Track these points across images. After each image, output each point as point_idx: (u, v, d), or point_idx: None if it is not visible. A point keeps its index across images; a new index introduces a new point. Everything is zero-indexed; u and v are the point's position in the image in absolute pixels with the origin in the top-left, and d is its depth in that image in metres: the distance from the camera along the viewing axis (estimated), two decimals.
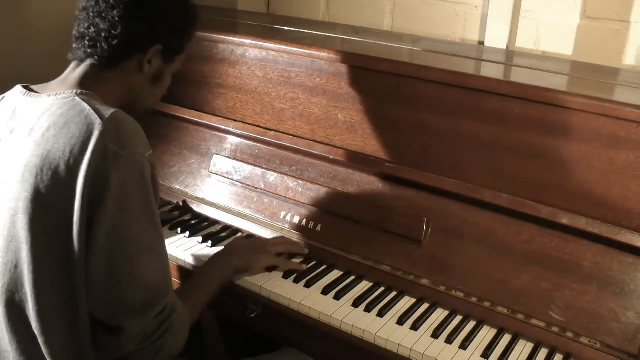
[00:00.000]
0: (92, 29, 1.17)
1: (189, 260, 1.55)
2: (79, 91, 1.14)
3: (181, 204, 1.77)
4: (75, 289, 1.08)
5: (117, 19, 1.16)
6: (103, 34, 1.16)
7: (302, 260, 1.54)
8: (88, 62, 1.19)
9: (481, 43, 2.08)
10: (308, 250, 1.57)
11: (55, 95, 1.14)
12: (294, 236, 1.60)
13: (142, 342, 1.13)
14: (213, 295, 1.37)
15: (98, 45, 1.17)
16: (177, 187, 1.81)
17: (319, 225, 1.58)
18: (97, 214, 1.05)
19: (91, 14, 1.18)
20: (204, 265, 1.43)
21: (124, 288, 1.09)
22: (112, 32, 1.16)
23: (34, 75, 1.33)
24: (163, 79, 1.30)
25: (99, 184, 1.05)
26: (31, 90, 1.19)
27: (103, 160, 1.05)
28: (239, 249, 1.50)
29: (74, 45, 1.21)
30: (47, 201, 1.07)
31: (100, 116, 1.08)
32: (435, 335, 1.32)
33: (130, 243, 1.09)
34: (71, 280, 1.08)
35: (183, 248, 1.58)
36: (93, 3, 1.18)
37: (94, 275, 1.07)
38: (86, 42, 1.18)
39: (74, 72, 1.20)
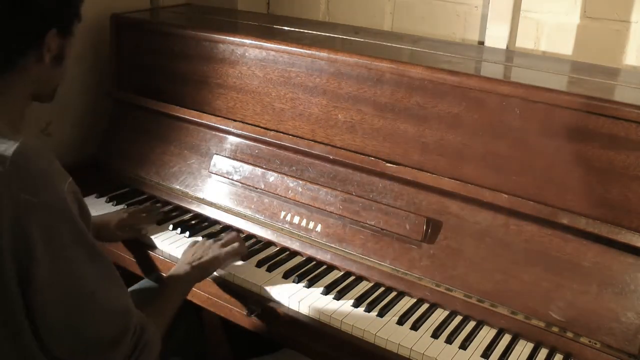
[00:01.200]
0: None
1: None
2: None
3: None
4: (25, 351, 1.01)
5: None
6: None
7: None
8: None
9: (481, 43, 2.08)
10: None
11: None
12: (294, 236, 1.61)
13: None
14: (177, 308, 1.32)
15: None
16: (177, 187, 1.81)
17: (319, 225, 1.58)
18: (30, 271, 0.96)
19: None
20: (166, 282, 1.38)
21: (91, 328, 1.04)
22: None
23: None
24: (66, 53, 1.12)
25: (21, 241, 0.95)
26: None
27: (17, 213, 0.94)
28: (194, 259, 1.43)
29: None
30: None
31: (2, 160, 0.94)
32: (435, 335, 1.32)
33: (78, 285, 1.02)
34: (17, 343, 1.00)
35: (183, 248, 1.58)
36: None
37: (55, 327, 1.01)
38: None
39: None
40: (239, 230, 1.68)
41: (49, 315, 1.01)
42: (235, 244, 1.52)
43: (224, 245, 1.50)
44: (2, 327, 1.01)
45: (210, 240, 1.52)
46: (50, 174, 0.99)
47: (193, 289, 1.46)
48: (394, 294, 1.45)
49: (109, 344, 1.07)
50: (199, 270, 1.42)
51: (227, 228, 1.70)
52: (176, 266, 1.44)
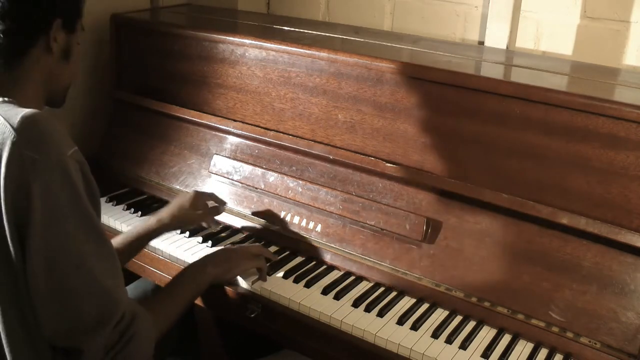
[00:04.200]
0: None
1: (189, 260, 1.54)
2: None
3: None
4: (26, 312, 1.00)
5: (5, 7, 1.04)
6: None
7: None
8: None
9: (481, 43, 2.08)
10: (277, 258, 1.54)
11: None
12: (294, 236, 1.61)
13: (105, 356, 1.03)
14: (186, 305, 1.30)
15: None
16: (177, 187, 1.81)
17: (319, 225, 1.58)
18: (26, 230, 0.96)
19: None
20: (176, 276, 1.36)
21: (74, 303, 1.00)
22: (4, 23, 1.04)
23: None
24: (72, 50, 1.17)
25: (21, 197, 0.96)
26: None
27: (20, 170, 0.96)
28: (214, 257, 1.42)
29: None
30: None
31: (11, 123, 0.98)
32: (435, 335, 1.32)
33: (68, 253, 0.99)
34: (20, 304, 1.00)
35: (183, 248, 1.58)
36: None
37: (40, 295, 0.98)
38: None
39: None
40: (239, 231, 1.68)
41: (34, 282, 0.98)
42: (259, 255, 1.48)
43: (249, 255, 1.47)
44: (7, 299, 1.00)
45: (244, 249, 1.49)
46: (55, 137, 1.01)
47: None
48: (394, 294, 1.45)
49: (92, 326, 1.01)
50: (214, 273, 1.39)
51: (227, 228, 1.70)
52: (192, 264, 1.41)
